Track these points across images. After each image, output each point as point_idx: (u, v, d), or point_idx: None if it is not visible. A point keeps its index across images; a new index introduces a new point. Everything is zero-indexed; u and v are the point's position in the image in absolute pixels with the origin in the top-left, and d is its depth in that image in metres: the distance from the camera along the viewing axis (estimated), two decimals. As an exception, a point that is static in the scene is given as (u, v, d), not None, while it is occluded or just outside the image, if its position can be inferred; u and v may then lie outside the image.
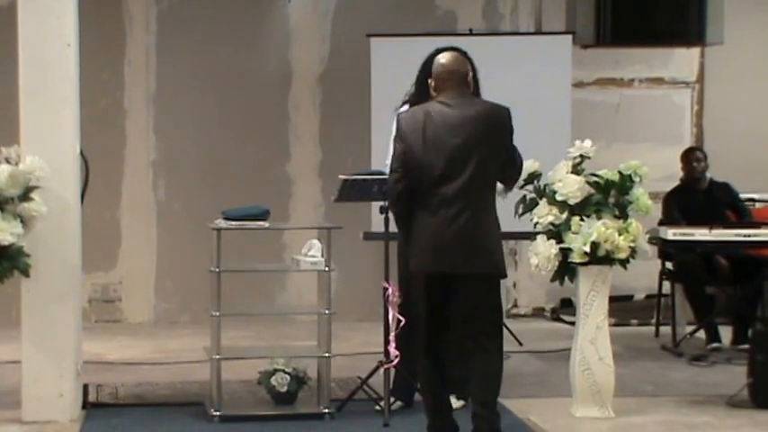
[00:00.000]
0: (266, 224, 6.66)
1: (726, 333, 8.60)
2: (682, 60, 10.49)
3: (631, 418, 6.50)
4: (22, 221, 6.07)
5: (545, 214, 6.44)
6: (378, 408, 6.50)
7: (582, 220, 6.40)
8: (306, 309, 9.10)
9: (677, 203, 8.86)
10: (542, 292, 10.36)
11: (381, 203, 6.47)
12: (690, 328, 8.72)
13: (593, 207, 6.46)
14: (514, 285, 10.39)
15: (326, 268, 6.54)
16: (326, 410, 6.47)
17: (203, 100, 9.95)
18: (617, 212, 6.48)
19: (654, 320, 9.36)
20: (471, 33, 9.52)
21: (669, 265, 8.96)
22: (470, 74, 5.75)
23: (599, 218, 6.41)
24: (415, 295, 5.71)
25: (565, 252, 6.41)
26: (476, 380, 5.62)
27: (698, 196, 8.90)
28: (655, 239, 8.20)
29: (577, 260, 6.38)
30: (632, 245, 6.41)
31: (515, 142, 5.71)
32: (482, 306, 5.60)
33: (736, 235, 8.12)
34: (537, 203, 6.50)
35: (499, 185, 5.81)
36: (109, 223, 9.90)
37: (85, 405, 6.65)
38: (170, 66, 9.98)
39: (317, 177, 10.08)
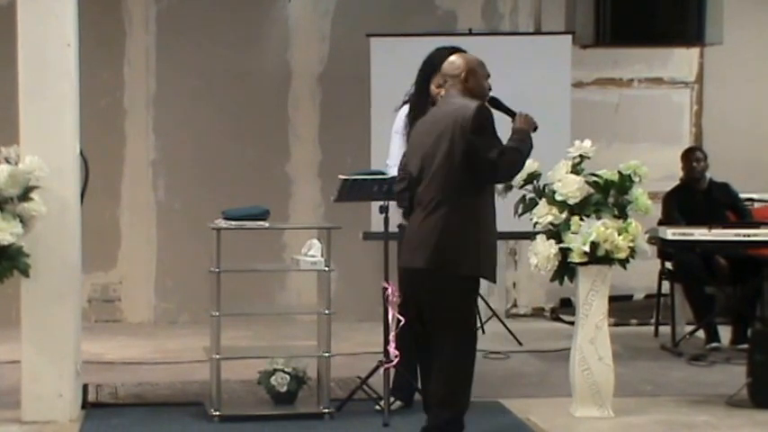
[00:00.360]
0: (266, 224, 6.66)
1: (725, 333, 8.61)
2: (681, 60, 10.49)
3: (631, 417, 6.50)
4: (21, 221, 6.06)
5: (544, 214, 6.44)
6: (378, 408, 6.50)
7: (581, 219, 6.40)
8: (306, 309, 9.10)
9: (677, 203, 8.85)
10: (542, 291, 10.35)
11: (381, 203, 6.48)
12: (689, 328, 8.72)
13: (593, 207, 6.45)
14: (514, 285, 10.40)
15: (326, 268, 6.54)
16: (326, 410, 6.47)
17: (203, 100, 9.94)
18: (616, 212, 6.47)
19: (653, 320, 9.36)
20: (471, 33, 9.52)
21: (669, 264, 8.96)
22: (464, 74, 5.74)
23: (598, 218, 6.41)
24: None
25: (564, 252, 6.41)
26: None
27: (697, 196, 8.89)
28: (654, 239, 8.20)
29: (577, 260, 6.38)
30: (632, 245, 6.41)
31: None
32: (436, 305, 5.64)
33: (736, 235, 8.11)
34: (536, 203, 6.50)
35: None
36: (109, 223, 9.89)
37: (85, 405, 6.64)
38: (170, 66, 9.97)
39: (316, 177, 10.08)
